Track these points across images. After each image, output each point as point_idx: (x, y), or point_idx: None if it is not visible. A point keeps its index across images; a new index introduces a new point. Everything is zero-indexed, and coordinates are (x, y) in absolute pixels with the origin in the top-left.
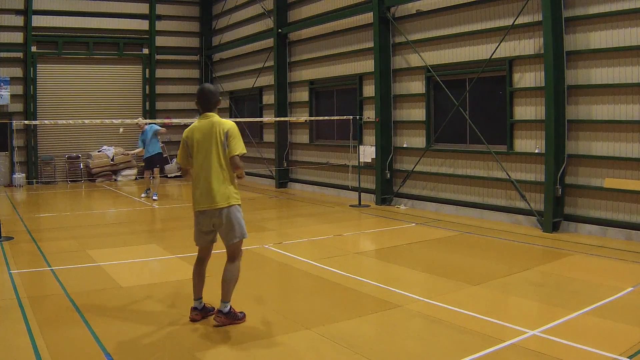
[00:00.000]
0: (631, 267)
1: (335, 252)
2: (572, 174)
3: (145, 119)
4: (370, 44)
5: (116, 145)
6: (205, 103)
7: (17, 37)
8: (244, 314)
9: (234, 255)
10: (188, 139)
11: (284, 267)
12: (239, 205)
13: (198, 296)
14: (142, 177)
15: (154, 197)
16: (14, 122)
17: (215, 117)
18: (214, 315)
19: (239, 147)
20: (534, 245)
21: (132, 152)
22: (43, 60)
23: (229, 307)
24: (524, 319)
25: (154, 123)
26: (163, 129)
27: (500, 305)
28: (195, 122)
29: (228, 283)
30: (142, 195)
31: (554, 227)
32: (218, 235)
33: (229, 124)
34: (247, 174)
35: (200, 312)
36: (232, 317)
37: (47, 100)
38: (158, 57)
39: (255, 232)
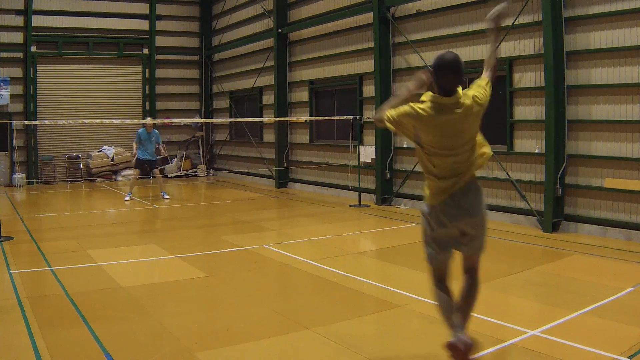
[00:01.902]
0: (631, 267)
1: (335, 252)
2: (572, 174)
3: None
4: (370, 44)
5: (116, 145)
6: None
7: (17, 37)
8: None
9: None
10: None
11: (284, 267)
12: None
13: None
14: (143, 178)
15: (165, 197)
16: (14, 122)
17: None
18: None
19: None
20: (534, 245)
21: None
22: (43, 60)
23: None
24: (524, 319)
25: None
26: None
27: (500, 305)
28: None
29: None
30: (126, 199)
31: (554, 227)
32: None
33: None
34: (247, 174)
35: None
36: None
37: (47, 100)
38: (158, 57)
39: (255, 232)
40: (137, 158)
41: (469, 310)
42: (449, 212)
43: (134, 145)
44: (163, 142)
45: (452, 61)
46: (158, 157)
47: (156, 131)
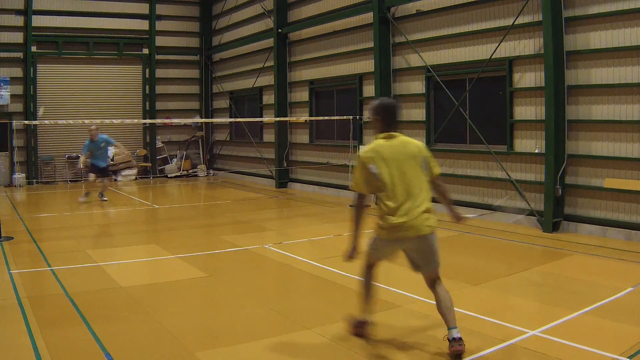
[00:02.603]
0: (631, 267)
1: (335, 252)
2: (572, 174)
3: (145, 118)
4: (370, 44)
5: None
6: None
7: (17, 37)
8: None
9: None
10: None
11: (284, 267)
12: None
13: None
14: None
15: (103, 199)
16: (14, 122)
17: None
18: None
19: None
20: (534, 245)
21: (81, 161)
22: (43, 60)
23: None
24: (524, 319)
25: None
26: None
27: (500, 305)
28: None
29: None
30: (81, 199)
31: (554, 227)
32: None
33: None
34: (247, 174)
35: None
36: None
37: (47, 100)
38: (158, 57)
39: (255, 232)
40: (91, 164)
41: (452, 309)
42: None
43: (83, 158)
44: (163, 142)
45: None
46: (110, 164)
47: (103, 136)
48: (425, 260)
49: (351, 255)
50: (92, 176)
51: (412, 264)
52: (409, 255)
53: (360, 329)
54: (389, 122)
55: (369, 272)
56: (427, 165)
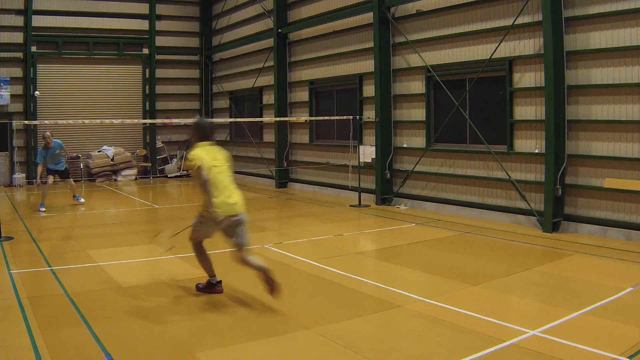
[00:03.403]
0: (631, 267)
1: (335, 252)
2: (572, 174)
3: (145, 118)
4: (370, 44)
5: (116, 145)
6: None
7: (17, 37)
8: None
9: None
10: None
11: (284, 267)
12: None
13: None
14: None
15: (80, 200)
16: (14, 122)
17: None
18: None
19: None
20: (534, 245)
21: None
22: (43, 60)
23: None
24: (524, 319)
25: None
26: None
27: (500, 305)
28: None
29: None
30: (41, 209)
31: (554, 227)
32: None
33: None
34: (247, 174)
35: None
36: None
37: (47, 100)
38: (158, 57)
39: (255, 232)
40: (47, 169)
41: (259, 264)
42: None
43: (39, 169)
44: (163, 142)
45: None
46: (65, 166)
47: (57, 141)
48: (236, 234)
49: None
50: (50, 178)
51: (227, 235)
52: (226, 231)
53: (209, 289)
54: (207, 135)
55: (199, 246)
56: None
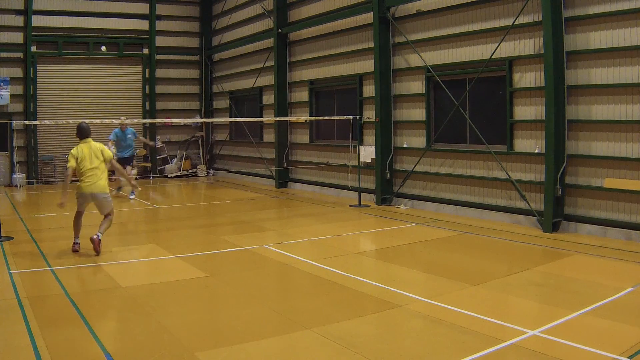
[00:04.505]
0: (631, 267)
1: (335, 252)
2: (572, 174)
3: (145, 118)
4: (370, 44)
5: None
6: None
7: (17, 37)
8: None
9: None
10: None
11: (284, 267)
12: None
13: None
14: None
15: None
16: (14, 122)
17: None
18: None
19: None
20: (534, 245)
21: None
22: (43, 60)
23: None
24: (524, 319)
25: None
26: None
27: (500, 305)
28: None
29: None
30: (131, 197)
31: (554, 227)
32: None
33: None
34: (247, 174)
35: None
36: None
37: (47, 100)
38: (158, 57)
39: (255, 232)
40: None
41: (105, 228)
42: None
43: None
44: (163, 142)
45: (87, 126)
46: (130, 153)
47: (131, 129)
48: (100, 208)
49: (63, 203)
50: (128, 168)
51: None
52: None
53: (76, 247)
54: (84, 134)
55: (78, 215)
56: (102, 154)
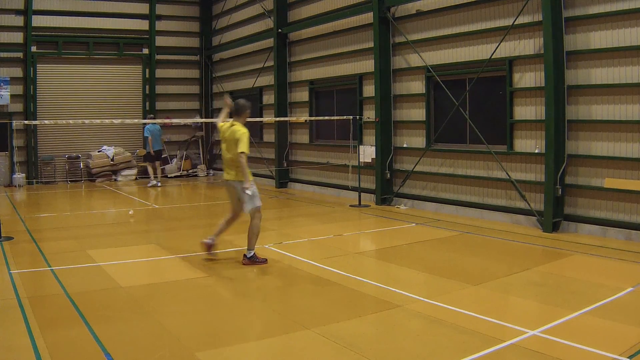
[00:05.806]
0: (631, 267)
1: (335, 252)
2: (572, 174)
3: (145, 118)
4: (370, 44)
5: (116, 145)
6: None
7: (17, 37)
8: (266, 260)
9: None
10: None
11: (284, 267)
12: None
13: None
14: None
15: (153, 184)
16: (14, 122)
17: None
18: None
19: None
20: (534, 245)
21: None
22: (43, 60)
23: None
24: (524, 319)
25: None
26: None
27: (500, 305)
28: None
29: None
30: (158, 183)
31: (554, 227)
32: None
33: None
34: None
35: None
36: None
37: (47, 100)
38: (158, 57)
39: None
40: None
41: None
42: None
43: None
44: (163, 142)
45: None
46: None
47: (158, 126)
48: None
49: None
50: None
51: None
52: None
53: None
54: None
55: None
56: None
